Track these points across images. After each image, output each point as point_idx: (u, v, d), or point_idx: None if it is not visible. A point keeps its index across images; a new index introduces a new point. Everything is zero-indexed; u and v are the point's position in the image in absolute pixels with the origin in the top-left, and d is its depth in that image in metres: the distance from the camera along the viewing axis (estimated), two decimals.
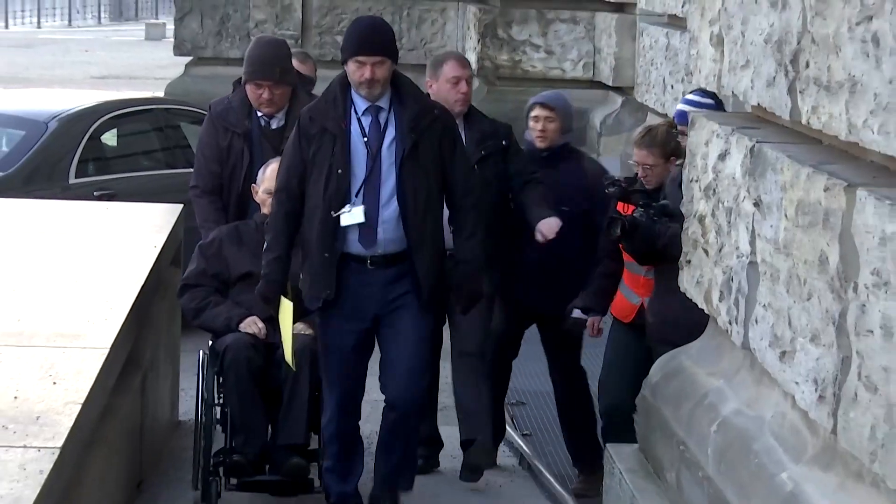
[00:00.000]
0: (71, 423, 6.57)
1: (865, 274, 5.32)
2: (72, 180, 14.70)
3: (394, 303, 9.14)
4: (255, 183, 10.14)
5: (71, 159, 14.83)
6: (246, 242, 9.99)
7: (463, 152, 9.54)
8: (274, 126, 10.58)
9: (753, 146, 6.56)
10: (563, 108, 10.53)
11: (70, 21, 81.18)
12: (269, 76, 9.65)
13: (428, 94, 10.31)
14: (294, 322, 9.34)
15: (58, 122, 15.10)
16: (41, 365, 7.43)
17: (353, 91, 9.03)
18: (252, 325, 9.62)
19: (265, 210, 9.83)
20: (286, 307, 9.14)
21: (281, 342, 9.36)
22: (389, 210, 8.98)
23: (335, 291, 9.00)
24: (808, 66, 5.98)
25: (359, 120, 9.03)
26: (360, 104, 9.06)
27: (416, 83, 9.96)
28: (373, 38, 8.83)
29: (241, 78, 10.33)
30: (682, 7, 8.19)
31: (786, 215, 6.07)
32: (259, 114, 10.55)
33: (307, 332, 9.67)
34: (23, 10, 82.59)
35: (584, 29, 11.39)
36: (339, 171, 8.90)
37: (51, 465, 6.12)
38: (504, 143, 10.47)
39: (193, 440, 9.62)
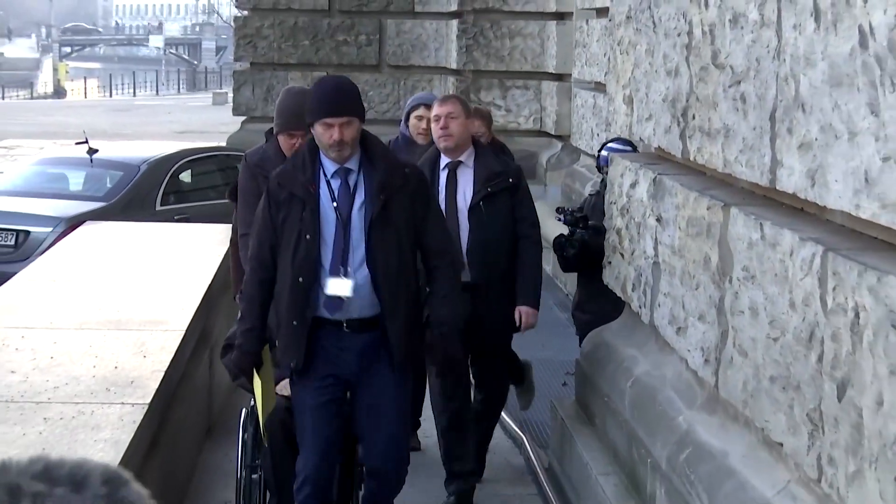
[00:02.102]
0: (157, 386, 6.56)
1: (738, 270, 5.33)
2: (158, 208, 14.73)
3: (370, 369, 6.74)
4: None
5: (157, 192, 14.92)
6: None
7: (437, 211, 7.18)
8: None
9: (656, 177, 6.57)
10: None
11: (157, 91, 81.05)
12: (301, 126, 7.28)
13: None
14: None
15: (147, 165, 15.19)
16: (135, 343, 7.42)
17: (321, 154, 6.76)
18: (287, 387, 7.07)
19: None
20: (256, 380, 6.74)
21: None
22: (361, 275, 6.62)
23: (304, 360, 6.68)
24: (694, 118, 5.98)
25: (328, 183, 6.71)
26: (329, 167, 6.72)
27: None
28: (339, 99, 6.72)
29: (272, 128, 8.16)
30: (604, 76, 8.19)
31: (679, 227, 6.08)
32: None
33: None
34: (122, 84, 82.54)
35: (533, 93, 11.39)
36: (308, 237, 6.59)
37: (141, 417, 6.11)
38: (511, 181, 8.15)
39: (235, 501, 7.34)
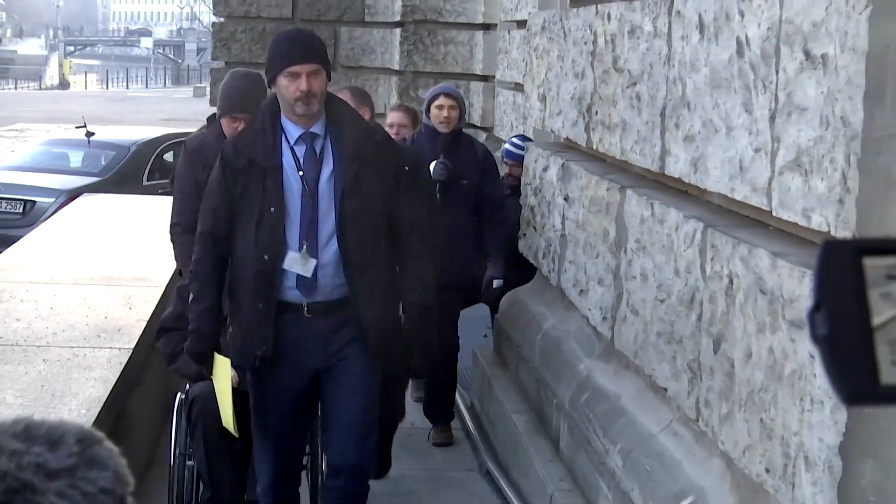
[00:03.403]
0: (140, 333, 6.51)
1: (631, 242, 5.32)
2: (144, 183, 14.67)
3: (336, 355, 5.16)
4: None
5: (144, 170, 14.92)
6: None
7: (417, 183, 5.54)
8: None
9: (564, 163, 6.54)
10: (461, 98, 7.77)
11: (147, 85, 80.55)
12: (246, 109, 5.97)
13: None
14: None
15: (136, 147, 15.22)
16: (123, 296, 7.36)
17: (282, 117, 5.08)
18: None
19: None
20: (222, 365, 5.23)
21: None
22: (329, 253, 5.03)
23: (272, 347, 5.09)
24: (596, 113, 5.96)
25: (292, 150, 5.07)
26: (293, 131, 5.07)
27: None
28: (305, 46, 5.08)
29: (214, 113, 6.57)
30: (522, 78, 8.16)
31: (583, 206, 6.05)
32: None
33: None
34: (117, 78, 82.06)
35: (463, 91, 11.39)
36: (273, 209, 5.01)
37: (127, 359, 6.06)
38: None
39: (167, 490, 5.83)
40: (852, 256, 1.11)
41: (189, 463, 5.82)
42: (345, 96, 6.64)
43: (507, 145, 8.48)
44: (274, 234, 5.00)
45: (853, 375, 1.10)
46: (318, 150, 5.06)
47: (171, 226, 6.42)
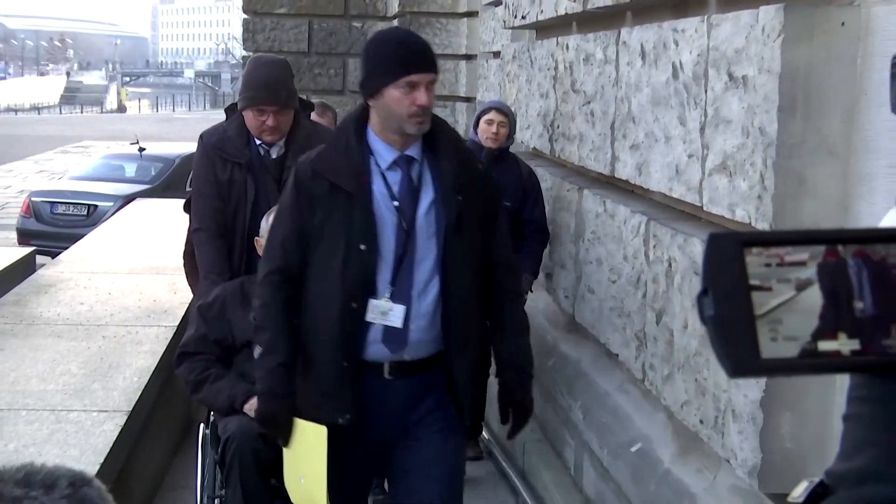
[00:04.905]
0: (182, 313, 6.47)
1: (588, 233, 5.29)
2: (187, 189, 14.64)
3: (419, 425, 3.60)
4: (257, 227, 4.47)
5: (187, 178, 14.88)
6: (253, 302, 3.87)
7: (505, 221, 3.80)
8: (274, 156, 4.77)
9: (533, 168, 6.52)
10: (513, 115, 6.21)
11: (190, 108, 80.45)
12: (272, 101, 4.60)
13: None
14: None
15: (181, 159, 15.29)
16: (168, 283, 7.32)
17: (371, 136, 3.51)
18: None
19: None
20: (315, 434, 3.52)
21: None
22: (426, 301, 3.49)
23: (356, 413, 3.53)
24: (558, 127, 5.93)
25: (383, 176, 3.49)
26: (385, 154, 3.49)
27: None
28: (424, 50, 3.52)
29: (233, 104, 5.00)
30: (498, 98, 8.14)
31: (549, 203, 6.02)
32: (257, 142, 4.77)
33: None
34: (165, 103, 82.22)
35: (449, 111, 11.35)
36: (363, 246, 3.43)
37: (172, 335, 6.03)
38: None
39: None
40: (735, 247, 1.10)
41: None
42: (319, 112, 6.08)
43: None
44: (364, 275, 3.44)
45: (737, 351, 1.09)
46: (414, 177, 3.51)
47: (194, 231, 4.89)
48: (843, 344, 1.09)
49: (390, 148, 3.50)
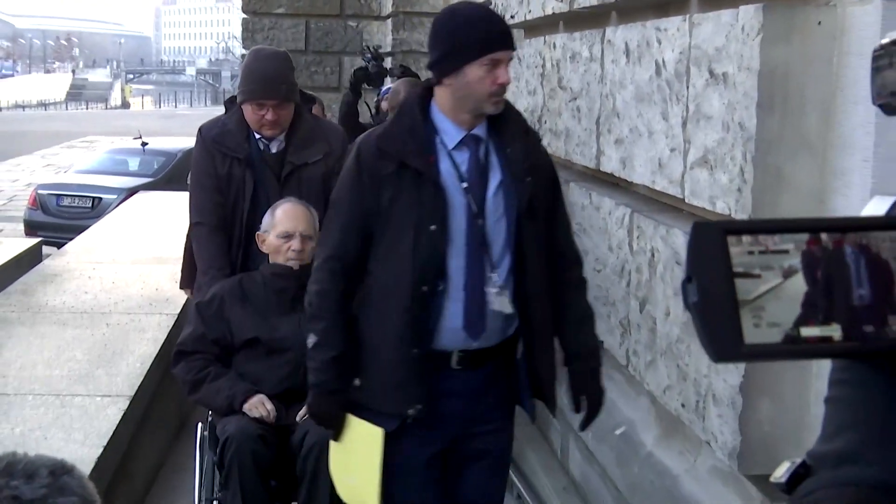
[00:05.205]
0: (183, 302, 6.47)
1: (574, 224, 5.26)
2: (188, 182, 14.69)
3: (483, 420, 3.39)
4: (256, 223, 4.39)
5: (188, 171, 14.91)
6: (251, 301, 4.14)
7: (565, 209, 3.64)
8: (274, 150, 4.52)
9: None
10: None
11: (191, 104, 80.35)
12: (272, 95, 4.35)
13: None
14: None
15: (182, 153, 15.30)
16: (170, 273, 7.31)
17: (439, 115, 3.23)
18: (259, 406, 3.93)
19: (280, 259, 4.14)
20: (369, 435, 3.27)
21: (293, 432, 3.94)
22: (495, 286, 3.24)
23: (427, 404, 3.24)
24: (546, 123, 5.92)
25: (450, 156, 3.21)
26: (453, 133, 3.21)
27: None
28: (504, 26, 3.33)
29: (233, 97, 4.71)
30: None
31: None
32: (257, 136, 4.52)
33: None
34: (167, 99, 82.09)
35: None
36: (434, 227, 3.13)
37: (173, 322, 6.02)
38: None
39: None
40: (719, 235, 1.09)
41: None
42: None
43: None
44: (434, 259, 3.15)
45: (720, 337, 1.09)
46: (481, 157, 3.25)
47: (193, 225, 4.65)
48: (825, 330, 1.09)
49: (458, 127, 3.23)
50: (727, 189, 3.49)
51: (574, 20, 5.62)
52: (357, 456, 3.30)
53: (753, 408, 3.42)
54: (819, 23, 3.21)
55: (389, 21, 11.15)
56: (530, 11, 6.20)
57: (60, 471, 1.47)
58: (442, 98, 3.24)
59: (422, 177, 3.15)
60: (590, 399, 3.40)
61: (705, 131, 3.67)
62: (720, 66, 3.54)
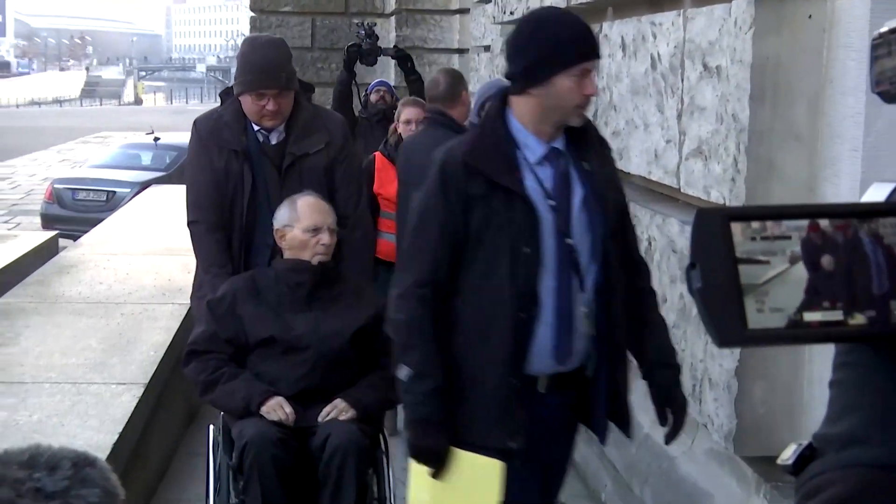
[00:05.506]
0: None
1: None
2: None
3: (564, 448, 3.11)
4: (255, 218, 4.11)
5: None
6: (265, 297, 3.76)
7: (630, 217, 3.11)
8: (274, 141, 4.14)
9: None
10: None
11: (202, 100, 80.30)
12: (272, 84, 4.01)
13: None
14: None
15: None
16: (182, 264, 7.27)
17: (519, 127, 2.84)
18: (278, 408, 3.57)
19: (306, 254, 3.77)
20: (489, 469, 2.82)
21: (313, 434, 3.58)
22: (584, 306, 2.86)
23: (525, 436, 2.85)
24: None
25: (533, 171, 2.81)
26: (535, 147, 2.82)
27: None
28: (591, 32, 2.89)
29: (228, 88, 4.33)
30: None
31: None
32: (255, 128, 4.13)
33: (346, 416, 3.60)
34: (179, 96, 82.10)
35: None
36: (527, 250, 2.76)
37: (185, 312, 6.00)
38: None
39: None
40: (722, 221, 1.08)
41: None
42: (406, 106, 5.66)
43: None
44: (530, 284, 2.83)
45: (724, 322, 1.07)
46: (564, 172, 2.90)
47: (190, 223, 4.21)
48: (828, 314, 1.08)
49: (539, 141, 2.87)
50: (721, 179, 3.47)
51: None
52: (468, 492, 2.91)
53: (748, 391, 3.41)
54: (809, 16, 3.18)
55: (393, 18, 11.13)
56: (528, 8, 6.17)
57: (83, 462, 1.44)
58: (523, 109, 2.88)
59: (512, 196, 2.81)
60: (676, 410, 3.02)
61: (699, 123, 3.65)
62: (713, 59, 3.52)
